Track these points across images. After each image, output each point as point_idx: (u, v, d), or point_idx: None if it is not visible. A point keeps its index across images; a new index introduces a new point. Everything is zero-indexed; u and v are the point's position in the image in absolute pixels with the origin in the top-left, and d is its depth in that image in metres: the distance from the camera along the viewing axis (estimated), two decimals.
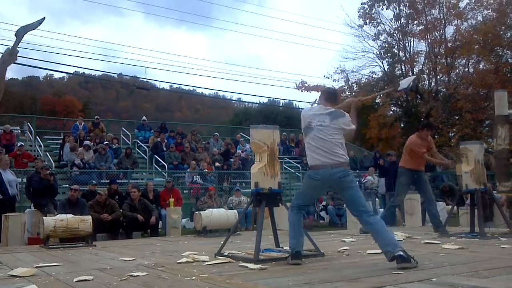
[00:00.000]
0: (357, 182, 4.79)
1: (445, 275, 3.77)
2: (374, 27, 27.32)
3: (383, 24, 27.20)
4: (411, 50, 27.10)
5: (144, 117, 20.35)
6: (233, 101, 55.46)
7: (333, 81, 27.83)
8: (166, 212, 10.49)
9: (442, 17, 25.86)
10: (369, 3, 26.77)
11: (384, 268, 4.16)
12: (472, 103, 24.02)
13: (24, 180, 11.42)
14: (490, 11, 24.74)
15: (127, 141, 19.06)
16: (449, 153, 18.28)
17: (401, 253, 4.14)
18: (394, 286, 3.35)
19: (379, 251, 5.26)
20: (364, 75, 28.02)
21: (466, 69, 26.15)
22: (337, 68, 27.84)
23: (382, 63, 27.90)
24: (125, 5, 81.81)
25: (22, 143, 14.76)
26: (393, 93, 22.16)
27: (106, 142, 15.92)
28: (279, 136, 5.67)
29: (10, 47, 3.42)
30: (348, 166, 4.63)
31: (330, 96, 4.93)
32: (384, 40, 27.54)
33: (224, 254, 5.32)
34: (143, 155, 17.45)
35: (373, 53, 27.76)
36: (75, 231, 7.42)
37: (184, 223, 11.82)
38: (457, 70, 26.35)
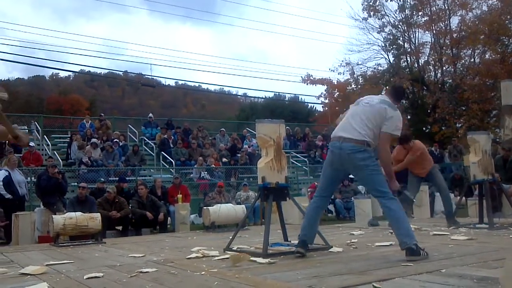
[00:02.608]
0: (375, 162, 4.43)
1: (454, 266, 3.76)
2: (379, 19, 27.24)
3: (388, 16, 27.11)
4: (416, 42, 27.02)
5: (150, 114, 20.38)
6: (239, 96, 55.45)
7: (338, 74, 27.79)
8: (175, 208, 10.53)
9: (446, 7, 25.71)
10: None
11: (393, 261, 4.16)
12: (479, 93, 23.92)
13: (33, 179, 11.49)
14: (495, 0, 24.58)
15: (134, 138, 19.13)
16: (458, 144, 18.22)
17: (413, 246, 4.11)
18: (403, 278, 3.35)
19: (388, 243, 5.30)
20: (370, 67, 27.98)
21: (472, 60, 26.04)
22: (342, 61, 27.78)
23: (388, 55, 27.83)
24: (130, 2, 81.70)
25: (33, 144, 14.79)
26: None
27: (116, 140, 15.96)
28: (285, 130, 5.67)
29: None
30: (363, 145, 4.32)
31: (393, 91, 4.76)
32: (389, 32, 27.43)
33: (233, 249, 5.34)
34: (150, 152, 17.51)
35: (378, 45, 27.70)
36: (85, 229, 7.47)
37: (193, 219, 11.86)
38: (463, 61, 26.24)
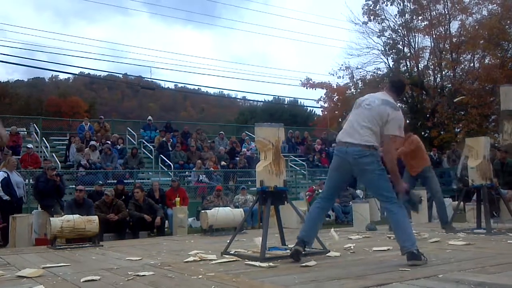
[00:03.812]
0: (381, 166, 4.38)
1: (451, 271, 3.76)
2: (379, 23, 27.30)
3: (388, 20, 27.17)
4: (416, 46, 27.05)
5: (149, 117, 20.35)
6: (238, 100, 55.54)
7: (338, 78, 27.82)
8: (173, 211, 10.51)
9: (446, 12, 25.78)
10: None
11: (390, 265, 4.16)
12: (478, 98, 23.95)
13: (31, 181, 11.47)
14: (495, 5, 24.64)
15: (133, 141, 19.09)
16: (457, 149, 18.21)
17: (414, 251, 4.10)
18: (400, 283, 3.35)
19: (385, 248, 5.29)
20: (369, 71, 28.02)
21: (472, 64, 26.08)
22: (342, 65, 27.83)
23: (387, 59, 27.88)
24: (131, 5, 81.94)
25: (31, 145, 14.77)
26: None
27: (109, 141, 15.91)
28: (284, 134, 5.66)
29: None
30: (369, 149, 4.29)
31: (394, 85, 4.66)
32: (389, 37, 27.48)
33: (231, 252, 5.33)
34: (149, 155, 17.47)
35: (378, 50, 27.76)
36: (82, 232, 7.46)
37: (191, 222, 11.83)
38: (463, 65, 26.28)
